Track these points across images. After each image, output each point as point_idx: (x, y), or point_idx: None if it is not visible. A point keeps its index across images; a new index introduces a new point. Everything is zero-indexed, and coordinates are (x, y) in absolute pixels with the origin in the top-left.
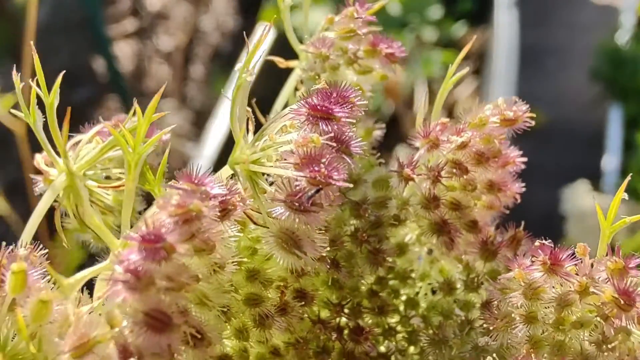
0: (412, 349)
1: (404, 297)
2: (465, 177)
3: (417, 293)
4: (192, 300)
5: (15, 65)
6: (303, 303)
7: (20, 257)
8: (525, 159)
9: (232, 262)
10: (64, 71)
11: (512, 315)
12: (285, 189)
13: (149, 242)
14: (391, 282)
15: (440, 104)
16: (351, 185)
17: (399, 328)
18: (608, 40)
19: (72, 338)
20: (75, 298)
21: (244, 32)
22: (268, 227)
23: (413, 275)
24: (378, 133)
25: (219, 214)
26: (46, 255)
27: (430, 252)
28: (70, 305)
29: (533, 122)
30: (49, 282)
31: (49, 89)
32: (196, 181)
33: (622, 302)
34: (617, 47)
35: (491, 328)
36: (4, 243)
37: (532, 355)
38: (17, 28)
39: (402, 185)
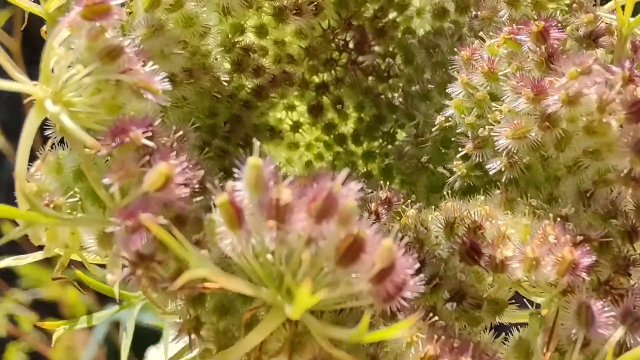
0: (408, 67)
1: (402, 27)
2: None
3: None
4: None
5: None
6: (315, 8)
7: None
8: None
9: None
10: None
11: (496, 2)
12: None
13: None
14: (390, 15)
15: None
16: None
17: (397, 50)
18: None
19: None
20: None
21: None
22: None
23: (411, 8)
24: None
25: None
26: None
27: None
28: None
29: None
30: None
31: None
32: None
33: None
34: None
35: (479, 16)
36: None
37: (514, 25)
38: None
39: None
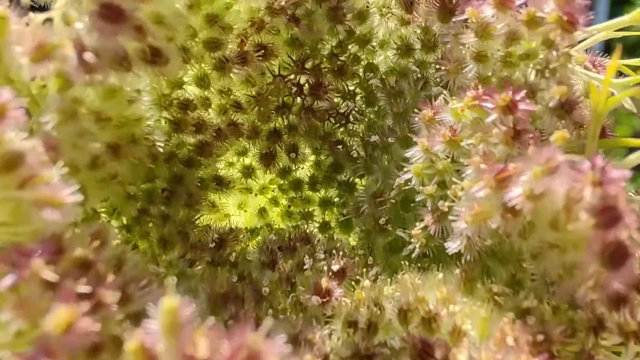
0: (369, 109)
1: (364, 63)
2: None
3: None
4: (147, 16)
5: None
6: (263, 54)
7: None
8: None
9: None
10: None
11: (463, 54)
12: None
13: None
14: (352, 49)
15: None
16: None
17: (357, 90)
18: None
19: (31, 44)
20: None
21: None
22: None
23: (373, 42)
24: None
25: None
26: None
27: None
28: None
29: None
30: None
31: None
32: None
33: (565, 20)
34: None
35: (443, 69)
36: None
37: (480, 87)
38: None
39: None
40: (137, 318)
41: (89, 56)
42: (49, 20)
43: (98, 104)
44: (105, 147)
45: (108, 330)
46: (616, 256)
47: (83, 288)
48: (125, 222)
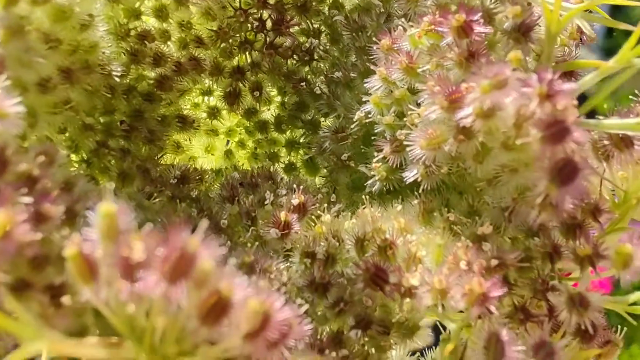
0: (334, 48)
1: (329, 1)
2: None
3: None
4: None
5: None
6: None
7: None
8: None
9: None
10: None
11: None
12: None
13: None
14: None
15: None
16: None
17: (322, 28)
18: None
19: None
20: None
21: None
22: None
23: None
24: None
25: None
26: None
27: None
28: None
29: None
30: None
31: None
32: None
33: None
34: None
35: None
36: None
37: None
38: None
39: None
40: None
41: None
42: None
43: (47, 24)
44: (56, 70)
45: (54, 245)
46: (565, 172)
47: (25, 199)
48: (84, 156)
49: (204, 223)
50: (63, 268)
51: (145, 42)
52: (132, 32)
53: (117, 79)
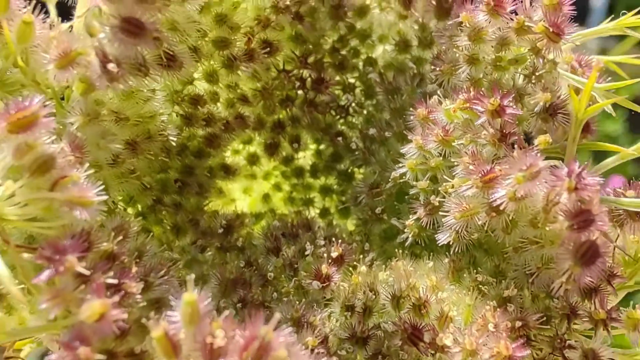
0: (368, 102)
1: (363, 57)
2: None
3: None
4: (163, 24)
5: None
6: (268, 50)
7: None
8: None
9: None
10: None
11: (457, 56)
12: None
13: None
14: (352, 43)
15: None
16: None
17: (357, 84)
18: None
19: (56, 51)
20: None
21: None
22: None
23: (373, 37)
24: None
25: None
26: None
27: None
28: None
29: None
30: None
31: None
32: None
33: (551, 31)
34: None
35: (438, 70)
36: None
37: (472, 90)
38: None
39: None
40: (157, 303)
41: (111, 66)
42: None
43: (117, 104)
44: (124, 144)
45: (132, 316)
46: (588, 255)
47: (111, 280)
48: (140, 209)
49: (277, 315)
50: (142, 336)
51: (198, 105)
52: (186, 97)
53: (173, 142)
